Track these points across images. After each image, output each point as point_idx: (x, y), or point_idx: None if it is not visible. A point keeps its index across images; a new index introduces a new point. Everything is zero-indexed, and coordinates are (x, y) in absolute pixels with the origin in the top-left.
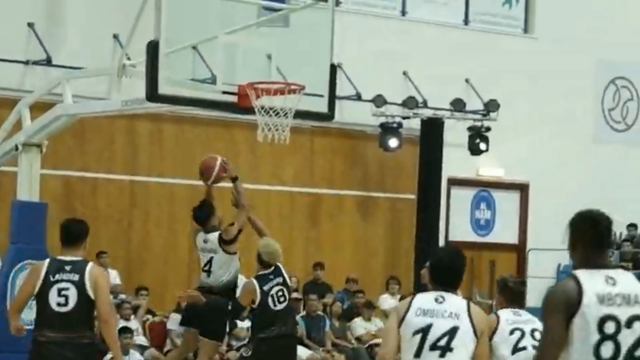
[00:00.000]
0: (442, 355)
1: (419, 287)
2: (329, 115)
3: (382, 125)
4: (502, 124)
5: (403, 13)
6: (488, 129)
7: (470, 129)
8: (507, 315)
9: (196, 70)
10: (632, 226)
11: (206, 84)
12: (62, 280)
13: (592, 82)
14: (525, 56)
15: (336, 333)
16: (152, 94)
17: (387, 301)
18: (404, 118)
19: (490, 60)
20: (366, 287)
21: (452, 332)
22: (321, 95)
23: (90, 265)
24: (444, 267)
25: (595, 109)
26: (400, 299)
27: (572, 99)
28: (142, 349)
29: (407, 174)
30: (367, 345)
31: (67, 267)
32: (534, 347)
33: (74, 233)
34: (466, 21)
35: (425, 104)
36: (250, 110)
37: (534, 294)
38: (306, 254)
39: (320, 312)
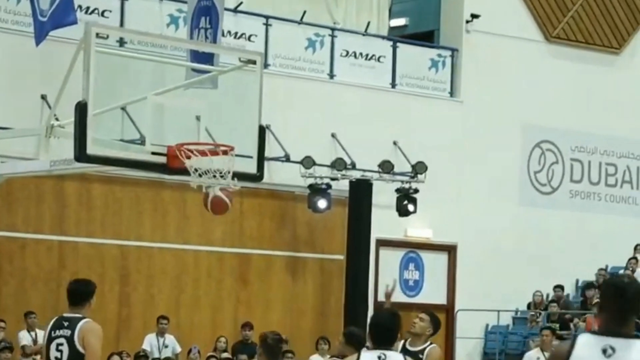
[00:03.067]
0: None
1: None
2: (258, 176)
3: (310, 187)
4: (429, 186)
5: (331, 76)
6: (416, 190)
7: (398, 190)
8: None
9: (125, 131)
10: (558, 287)
11: (135, 144)
12: (59, 337)
13: (518, 145)
14: (451, 119)
15: None
16: (81, 155)
17: None
18: (332, 179)
19: (418, 123)
20: (296, 347)
21: None
22: (250, 157)
23: (83, 321)
24: (383, 328)
25: (521, 171)
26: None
27: (499, 161)
28: None
29: (336, 234)
30: None
31: (65, 324)
32: None
33: (75, 293)
34: (393, 84)
35: (353, 166)
36: (180, 171)
37: (463, 354)
38: (235, 313)
39: None
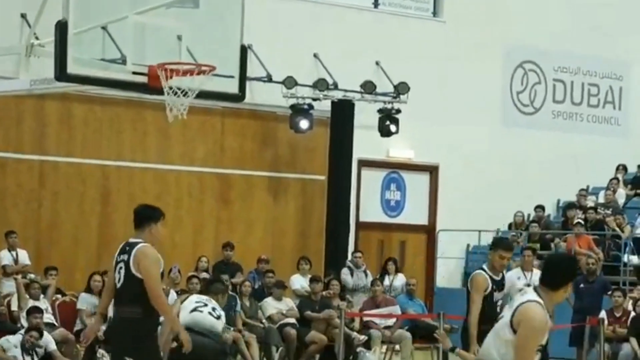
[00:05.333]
0: None
1: (330, 267)
2: (240, 96)
3: (292, 107)
4: (412, 106)
5: None
6: (398, 111)
7: (380, 111)
8: None
9: (106, 51)
10: (539, 208)
11: (116, 64)
12: (120, 261)
13: (501, 65)
14: (434, 39)
15: (247, 313)
16: (61, 74)
17: (297, 281)
18: (314, 100)
19: (400, 43)
20: (277, 267)
21: None
22: (232, 77)
23: (139, 245)
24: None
25: (504, 92)
26: (312, 279)
27: (481, 82)
28: (51, 328)
29: (317, 155)
30: (278, 324)
31: (127, 248)
32: None
33: (136, 216)
34: (376, 3)
35: (335, 86)
36: (161, 91)
37: (444, 274)
38: (217, 234)
39: (230, 292)
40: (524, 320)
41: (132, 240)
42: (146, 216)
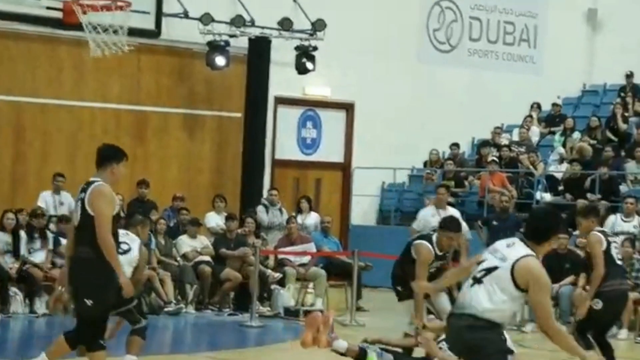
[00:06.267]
0: None
1: (246, 205)
2: (156, 33)
3: (209, 44)
4: (328, 44)
5: None
6: (315, 48)
7: (297, 48)
8: None
9: None
10: (454, 145)
11: None
12: (78, 200)
13: (418, 3)
14: None
15: (162, 251)
16: None
17: (213, 219)
18: (231, 36)
19: None
20: (192, 205)
21: None
22: (147, 12)
23: (95, 184)
24: None
25: (420, 29)
26: (227, 217)
27: (398, 19)
28: None
29: (234, 92)
30: (192, 262)
31: (85, 187)
32: None
33: (97, 155)
34: None
35: (252, 23)
36: (76, 27)
37: (359, 211)
38: (132, 171)
39: None
40: (533, 279)
41: (91, 179)
42: (108, 156)
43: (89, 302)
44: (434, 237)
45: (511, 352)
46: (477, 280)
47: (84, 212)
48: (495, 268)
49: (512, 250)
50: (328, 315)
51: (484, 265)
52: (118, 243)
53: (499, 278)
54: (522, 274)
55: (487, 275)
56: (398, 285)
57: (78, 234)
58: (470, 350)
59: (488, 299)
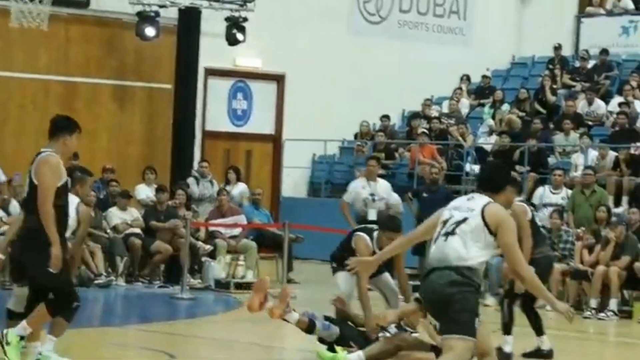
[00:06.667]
0: None
1: (176, 177)
2: (85, 3)
3: (139, 14)
4: (259, 15)
5: None
6: (245, 19)
7: (227, 19)
8: None
9: None
10: (385, 117)
11: None
12: (29, 170)
13: None
14: None
15: (92, 223)
16: None
17: (143, 191)
18: (161, 7)
19: None
20: (122, 177)
21: None
22: None
23: (43, 154)
24: None
25: (351, 1)
26: (157, 189)
27: None
28: None
29: (164, 63)
30: (122, 234)
31: (36, 157)
32: None
33: (50, 125)
34: None
35: None
36: None
37: (290, 183)
38: None
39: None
40: (500, 222)
41: (42, 149)
42: (61, 127)
43: (50, 271)
44: (375, 234)
45: (478, 315)
46: (450, 233)
47: (30, 182)
48: (464, 219)
49: (474, 201)
50: (287, 292)
51: (452, 220)
52: (67, 214)
53: (471, 227)
54: (492, 217)
55: (457, 227)
56: (335, 263)
57: (26, 204)
58: (446, 304)
59: (463, 245)
